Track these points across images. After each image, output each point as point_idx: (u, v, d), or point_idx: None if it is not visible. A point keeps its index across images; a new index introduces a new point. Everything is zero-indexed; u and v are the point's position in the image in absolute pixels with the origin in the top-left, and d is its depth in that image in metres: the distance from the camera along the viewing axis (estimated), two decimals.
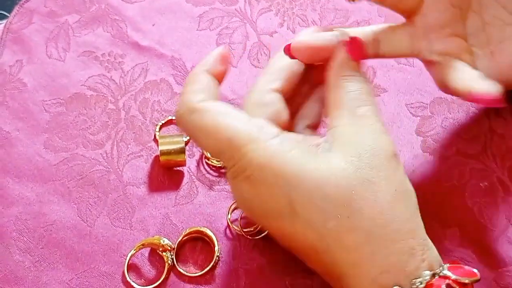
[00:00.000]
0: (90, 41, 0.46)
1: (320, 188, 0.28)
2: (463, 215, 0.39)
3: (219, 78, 0.33)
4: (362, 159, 0.29)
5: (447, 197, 0.40)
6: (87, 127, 0.42)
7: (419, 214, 0.31)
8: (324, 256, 0.29)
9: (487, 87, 0.33)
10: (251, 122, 0.31)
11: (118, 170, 0.41)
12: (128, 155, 0.41)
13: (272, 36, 0.47)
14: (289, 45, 0.34)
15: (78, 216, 0.39)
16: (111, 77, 0.44)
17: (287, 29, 0.47)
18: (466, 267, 0.29)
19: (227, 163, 0.31)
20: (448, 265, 0.29)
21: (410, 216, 0.30)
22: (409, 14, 0.36)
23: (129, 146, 0.42)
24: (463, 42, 0.37)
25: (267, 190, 0.29)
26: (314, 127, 0.36)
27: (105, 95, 0.44)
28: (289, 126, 0.34)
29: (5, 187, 0.40)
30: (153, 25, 0.47)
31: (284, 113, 0.34)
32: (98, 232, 0.38)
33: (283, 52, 0.35)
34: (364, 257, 0.28)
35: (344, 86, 0.32)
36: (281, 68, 0.35)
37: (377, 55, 0.36)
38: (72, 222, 0.39)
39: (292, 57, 0.34)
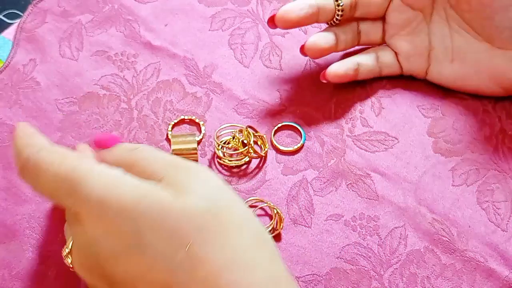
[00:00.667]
0: (103, 41, 0.46)
1: (166, 217, 0.26)
2: (474, 216, 0.39)
3: None
4: (209, 190, 0.28)
5: (459, 198, 0.40)
6: (100, 126, 0.42)
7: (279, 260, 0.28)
8: None
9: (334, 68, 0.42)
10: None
11: None
12: None
13: (284, 36, 0.47)
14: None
15: None
16: (123, 76, 0.45)
17: (299, 30, 0.47)
18: None
19: (66, 204, 0.29)
20: None
21: (270, 257, 0.28)
22: (381, 16, 0.43)
23: None
24: (421, 43, 0.42)
25: (111, 224, 0.27)
26: None
27: (118, 95, 0.44)
28: None
29: (19, 185, 0.40)
30: (166, 25, 0.47)
31: None
32: None
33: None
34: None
35: None
36: None
37: (357, 44, 0.44)
38: None
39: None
